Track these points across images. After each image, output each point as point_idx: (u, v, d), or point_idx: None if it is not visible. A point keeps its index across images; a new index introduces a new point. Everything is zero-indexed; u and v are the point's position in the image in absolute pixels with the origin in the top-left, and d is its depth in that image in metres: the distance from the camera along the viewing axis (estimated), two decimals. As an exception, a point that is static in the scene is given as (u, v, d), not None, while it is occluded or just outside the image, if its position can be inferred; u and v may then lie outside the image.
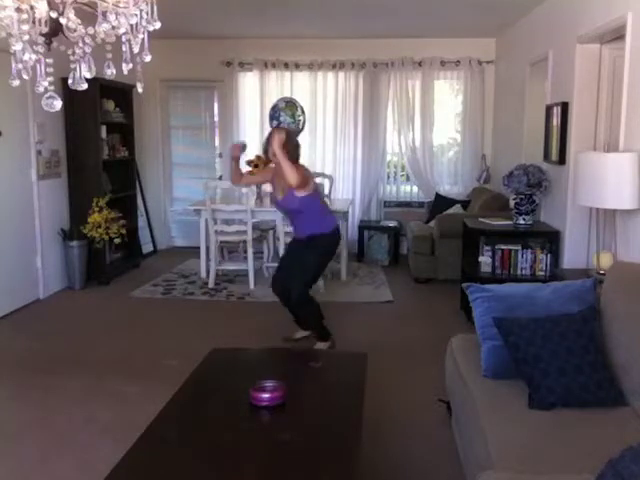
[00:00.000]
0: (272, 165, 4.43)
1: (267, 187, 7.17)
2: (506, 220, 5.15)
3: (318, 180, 6.88)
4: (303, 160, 7.92)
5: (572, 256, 4.66)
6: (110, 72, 2.15)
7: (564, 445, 2.20)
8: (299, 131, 7.26)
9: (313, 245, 4.30)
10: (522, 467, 2.07)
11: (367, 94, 7.68)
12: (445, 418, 3.36)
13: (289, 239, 6.22)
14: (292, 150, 4.21)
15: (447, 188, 7.75)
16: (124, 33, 2.08)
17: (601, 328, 2.71)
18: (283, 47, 7.65)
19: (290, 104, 7.20)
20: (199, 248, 6.52)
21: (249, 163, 6.75)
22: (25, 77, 2.12)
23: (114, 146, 6.75)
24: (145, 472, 2.11)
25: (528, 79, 5.93)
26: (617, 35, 4.01)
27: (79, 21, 2.07)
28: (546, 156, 5.17)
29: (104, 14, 2.01)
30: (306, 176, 4.20)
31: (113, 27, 2.03)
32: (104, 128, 6.42)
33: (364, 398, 2.62)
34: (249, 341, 4.46)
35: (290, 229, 6.25)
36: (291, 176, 4.04)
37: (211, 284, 6.23)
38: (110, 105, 6.64)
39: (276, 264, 5.63)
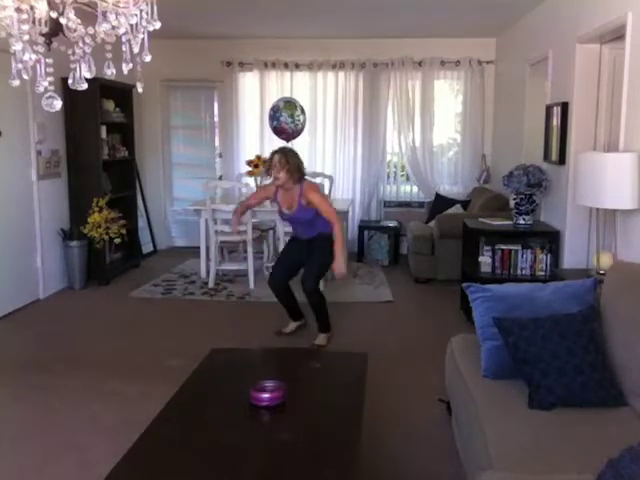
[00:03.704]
0: (270, 183, 4.58)
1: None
2: (506, 220, 5.15)
3: (318, 180, 6.90)
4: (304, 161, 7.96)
5: (572, 256, 4.66)
6: (110, 72, 2.15)
7: (564, 445, 2.20)
8: (299, 131, 7.25)
9: (321, 245, 4.43)
10: (522, 467, 2.07)
11: (367, 94, 7.69)
12: (445, 418, 3.36)
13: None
14: (302, 168, 4.41)
15: (447, 188, 7.75)
16: (124, 33, 2.08)
17: (601, 328, 2.71)
18: (283, 47, 7.64)
19: (290, 104, 7.19)
20: (199, 248, 6.53)
21: (249, 163, 6.76)
22: (25, 77, 2.12)
23: (114, 146, 6.75)
24: (145, 472, 2.11)
25: (528, 79, 5.93)
26: (617, 35, 4.01)
27: (79, 21, 2.07)
28: (546, 156, 5.17)
29: (104, 14, 2.01)
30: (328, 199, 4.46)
31: (113, 27, 2.03)
32: (104, 128, 6.42)
33: (364, 398, 2.62)
34: (249, 341, 4.46)
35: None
36: (332, 216, 4.28)
37: (211, 284, 6.23)
38: (110, 105, 6.64)
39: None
